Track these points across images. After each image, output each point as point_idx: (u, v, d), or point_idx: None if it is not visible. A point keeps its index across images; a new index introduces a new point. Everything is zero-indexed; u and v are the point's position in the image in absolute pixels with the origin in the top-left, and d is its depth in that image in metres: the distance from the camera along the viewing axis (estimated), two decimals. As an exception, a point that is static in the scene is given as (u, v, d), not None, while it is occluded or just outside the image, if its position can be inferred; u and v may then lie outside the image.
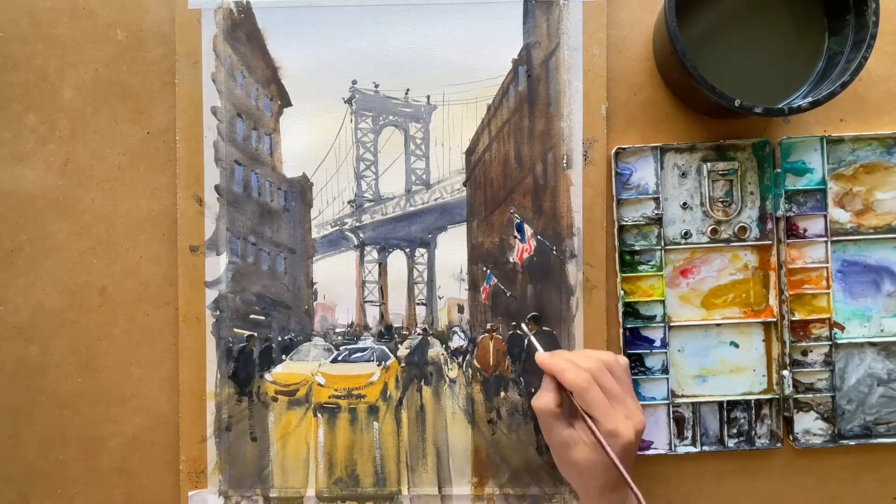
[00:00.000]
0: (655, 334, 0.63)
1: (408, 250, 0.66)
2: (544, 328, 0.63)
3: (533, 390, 0.63)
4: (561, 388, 0.56)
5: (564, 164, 0.63)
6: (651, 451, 0.63)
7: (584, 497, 0.56)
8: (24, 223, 0.64)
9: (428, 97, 0.64)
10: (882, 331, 0.63)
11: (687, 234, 0.63)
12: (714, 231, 0.63)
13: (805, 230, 0.63)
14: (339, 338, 0.65)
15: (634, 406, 0.55)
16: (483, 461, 0.64)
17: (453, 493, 0.64)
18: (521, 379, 0.64)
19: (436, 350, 0.65)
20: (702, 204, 0.63)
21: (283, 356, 0.65)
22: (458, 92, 0.64)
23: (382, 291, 0.66)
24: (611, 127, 0.64)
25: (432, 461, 0.64)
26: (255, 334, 0.64)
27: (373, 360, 0.65)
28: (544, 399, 0.56)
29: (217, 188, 0.64)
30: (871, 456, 0.63)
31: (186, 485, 0.63)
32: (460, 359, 0.64)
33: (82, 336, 0.64)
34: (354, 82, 0.64)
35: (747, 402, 0.63)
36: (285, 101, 0.64)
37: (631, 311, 0.63)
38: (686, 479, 0.64)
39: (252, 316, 0.64)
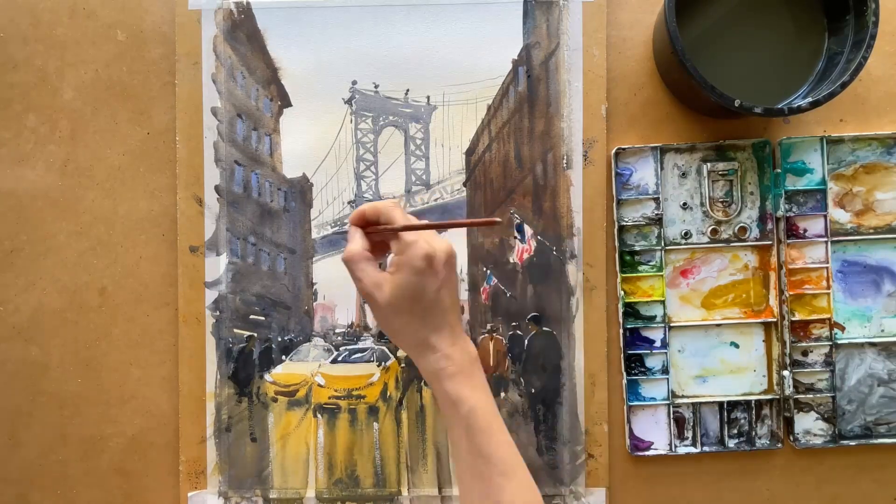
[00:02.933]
0: (656, 335, 0.63)
1: (408, 251, 0.66)
2: (544, 328, 0.63)
3: (533, 390, 0.63)
4: (366, 236, 0.52)
5: (564, 165, 0.63)
6: (651, 452, 0.63)
7: (410, 346, 0.51)
8: (24, 223, 0.64)
9: (428, 97, 0.64)
10: (882, 331, 0.63)
11: (687, 235, 0.63)
12: (714, 231, 0.63)
13: (805, 230, 0.63)
14: (339, 338, 0.65)
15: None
16: (483, 462, 0.63)
17: (453, 494, 0.63)
18: (522, 379, 0.63)
19: (436, 350, 0.65)
20: (702, 204, 0.63)
21: (283, 357, 0.65)
22: (458, 92, 0.64)
23: (382, 292, 0.65)
24: (611, 127, 0.64)
25: (432, 462, 0.64)
26: (255, 335, 0.64)
27: (373, 361, 0.65)
28: (354, 244, 0.51)
29: (217, 188, 0.64)
30: (871, 456, 0.63)
31: (186, 485, 0.63)
32: (460, 359, 0.64)
33: (82, 336, 0.64)
34: (354, 83, 0.64)
35: (747, 402, 0.63)
36: (285, 102, 0.64)
37: (631, 311, 0.63)
38: (686, 479, 0.64)
39: (252, 316, 0.64)
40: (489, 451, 0.48)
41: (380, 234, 0.52)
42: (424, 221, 0.50)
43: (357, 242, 0.50)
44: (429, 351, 0.49)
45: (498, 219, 0.50)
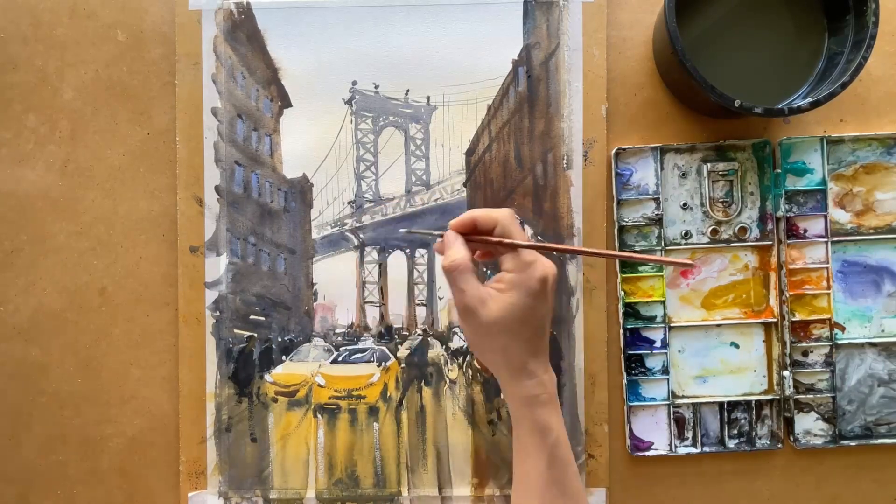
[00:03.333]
0: (656, 335, 0.63)
1: (408, 251, 0.66)
2: (544, 328, 0.63)
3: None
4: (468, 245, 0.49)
5: (564, 165, 0.63)
6: (651, 452, 0.63)
7: (505, 369, 0.49)
8: (24, 223, 0.64)
9: (428, 98, 0.64)
10: (882, 331, 0.63)
11: (687, 235, 0.63)
12: (714, 231, 0.63)
13: (805, 230, 0.63)
14: (340, 338, 0.65)
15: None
16: (483, 462, 0.63)
17: (453, 495, 0.63)
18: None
19: (436, 351, 0.65)
20: (702, 204, 0.63)
21: (283, 357, 0.65)
22: (458, 92, 0.64)
23: (382, 292, 0.66)
24: (611, 127, 0.64)
25: (432, 462, 0.64)
26: (255, 335, 0.64)
27: (373, 361, 0.65)
28: (458, 254, 0.48)
29: (217, 189, 0.64)
30: (871, 457, 0.63)
31: (186, 486, 0.63)
32: (460, 360, 0.64)
33: (82, 337, 0.64)
34: (354, 83, 0.64)
35: (748, 402, 0.63)
36: (285, 102, 0.64)
37: (631, 311, 0.63)
38: (686, 479, 0.64)
39: (252, 317, 0.64)
40: (566, 483, 0.47)
41: (488, 246, 0.49)
42: (554, 244, 0.47)
43: (461, 251, 0.48)
44: (525, 376, 0.48)
45: (692, 262, 0.45)
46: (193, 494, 0.63)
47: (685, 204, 0.63)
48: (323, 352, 0.65)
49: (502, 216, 0.48)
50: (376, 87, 0.64)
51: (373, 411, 0.64)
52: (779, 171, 0.62)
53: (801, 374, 0.63)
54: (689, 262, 0.43)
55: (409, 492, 0.64)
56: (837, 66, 0.57)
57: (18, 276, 0.64)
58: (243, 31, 0.64)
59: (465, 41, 0.64)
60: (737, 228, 0.63)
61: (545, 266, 0.47)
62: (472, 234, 0.49)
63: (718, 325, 0.63)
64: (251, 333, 0.64)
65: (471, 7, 0.63)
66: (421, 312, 0.65)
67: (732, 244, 0.63)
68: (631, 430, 0.63)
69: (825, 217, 0.62)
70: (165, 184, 0.64)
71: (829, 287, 0.62)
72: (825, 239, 0.62)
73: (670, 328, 0.63)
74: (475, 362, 0.64)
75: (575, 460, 0.49)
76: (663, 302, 0.63)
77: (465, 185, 0.65)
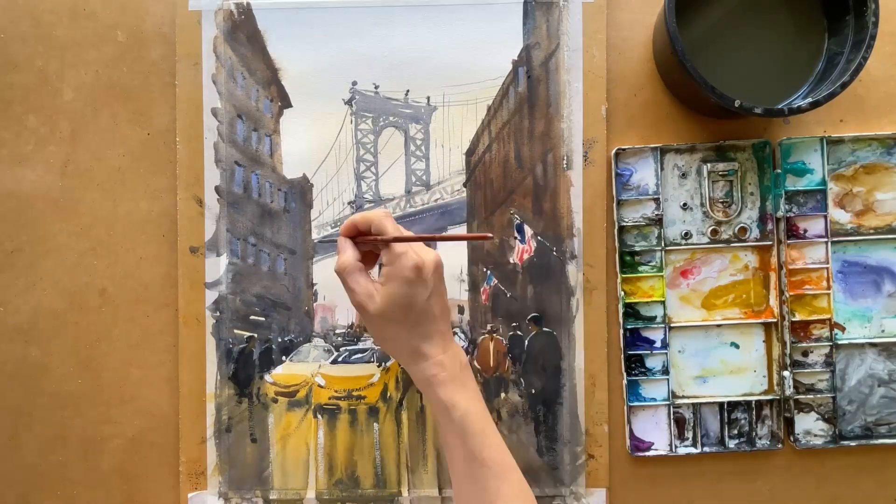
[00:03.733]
0: (656, 335, 0.63)
1: (408, 251, 0.66)
2: (544, 329, 0.63)
3: (533, 391, 0.63)
4: (356, 246, 0.53)
5: (564, 165, 0.63)
6: (652, 452, 0.63)
7: (402, 355, 0.52)
8: (24, 224, 0.64)
9: (428, 98, 0.64)
10: (883, 331, 0.63)
11: (687, 235, 0.63)
12: (714, 232, 0.63)
13: (805, 231, 0.63)
14: (340, 339, 0.65)
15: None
16: (483, 462, 0.63)
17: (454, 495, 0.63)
18: (522, 380, 0.63)
19: (436, 351, 0.65)
20: (702, 204, 0.63)
21: (283, 357, 0.65)
22: (458, 93, 0.64)
23: (382, 292, 0.65)
24: (611, 128, 0.64)
25: (433, 463, 0.64)
26: (255, 335, 0.64)
27: (373, 362, 0.65)
28: (346, 255, 0.52)
29: (217, 189, 0.64)
30: (871, 457, 0.63)
31: (186, 486, 0.63)
32: (460, 360, 0.64)
33: (82, 337, 0.64)
34: (354, 83, 0.64)
35: (748, 402, 0.63)
36: (285, 103, 0.64)
37: (631, 311, 0.63)
38: (687, 480, 0.64)
39: (252, 317, 0.64)
40: (483, 454, 0.49)
41: (370, 244, 0.52)
42: (412, 234, 0.51)
43: (349, 254, 0.52)
44: (421, 359, 0.51)
45: (489, 234, 0.51)
46: (193, 495, 0.63)
47: (685, 204, 0.63)
48: (323, 352, 0.65)
49: (375, 215, 0.52)
50: (376, 87, 0.64)
51: (373, 412, 0.64)
52: (779, 171, 0.62)
53: (801, 374, 0.63)
54: (486, 234, 0.49)
55: (410, 492, 0.64)
56: (837, 66, 0.57)
57: (18, 276, 0.64)
58: (243, 32, 0.64)
59: (465, 41, 0.64)
60: (737, 228, 0.63)
61: (418, 254, 0.50)
62: (357, 237, 0.53)
63: (718, 326, 0.63)
64: (251, 334, 0.64)
65: (471, 7, 0.63)
66: (421, 313, 0.65)
67: (732, 244, 0.63)
68: (631, 430, 0.63)
69: (825, 217, 0.62)
70: (165, 184, 0.64)
71: (829, 287, 0.62)
72: (825, 239, 0.62)
73: (670, 328, 0.63)
74: (475, 362, 0.64)
75: (497, 431, 0.50)
76: (663, 302, 0.63)
77: (465, 185, 0.65)
